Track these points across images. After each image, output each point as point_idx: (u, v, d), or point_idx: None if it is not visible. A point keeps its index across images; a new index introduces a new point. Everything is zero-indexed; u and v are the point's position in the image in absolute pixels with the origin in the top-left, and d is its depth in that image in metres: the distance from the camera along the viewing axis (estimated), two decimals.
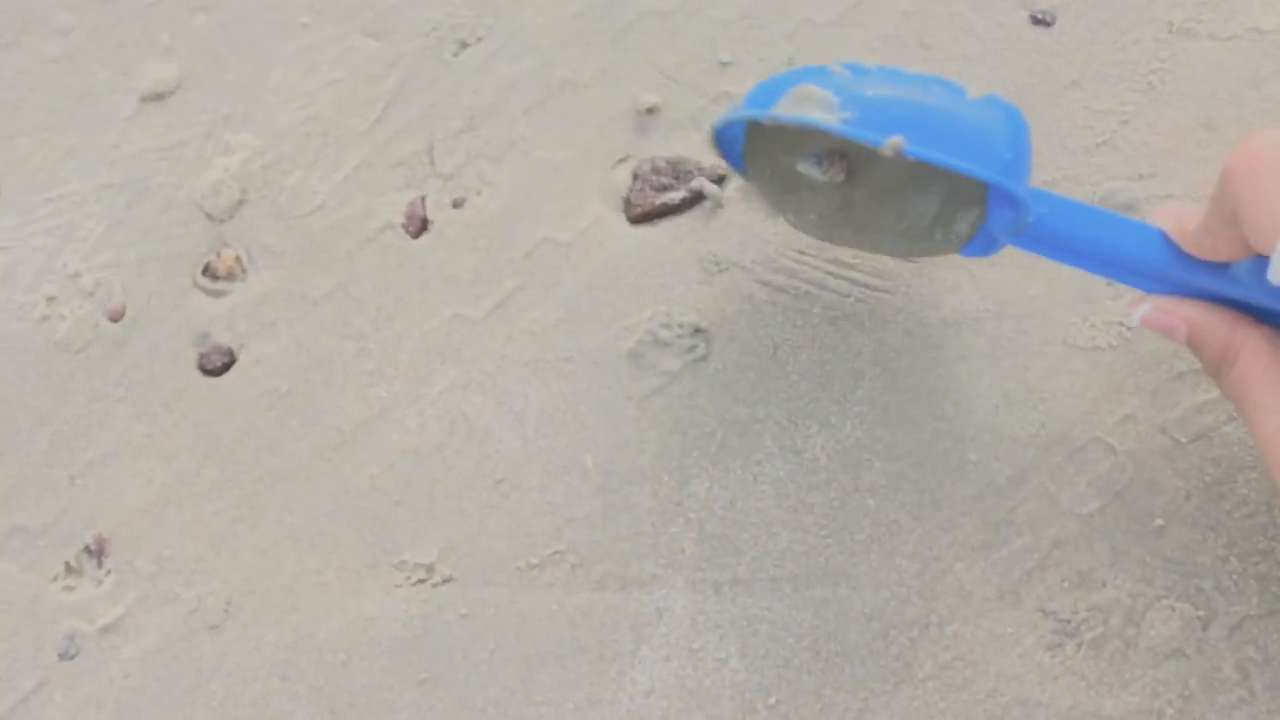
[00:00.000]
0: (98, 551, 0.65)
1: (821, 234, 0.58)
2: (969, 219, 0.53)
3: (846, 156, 0.52)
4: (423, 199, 0.70)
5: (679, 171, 0.67)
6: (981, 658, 0.57)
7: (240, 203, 0.72)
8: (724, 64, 0.70)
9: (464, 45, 0.73)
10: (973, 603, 0.58)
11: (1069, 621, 0.57)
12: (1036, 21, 0.67)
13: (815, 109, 0.47)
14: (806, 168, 0.52)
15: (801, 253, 0.65)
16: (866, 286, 0.63)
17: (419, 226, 0.69)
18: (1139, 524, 0.57)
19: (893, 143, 0.47)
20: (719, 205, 0.67)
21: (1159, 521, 0.57)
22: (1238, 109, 0.64)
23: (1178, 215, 0.49)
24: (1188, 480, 0.58)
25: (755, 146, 0.56)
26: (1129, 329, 0.60)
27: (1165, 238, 0.49)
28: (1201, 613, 0.56)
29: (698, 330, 0.64)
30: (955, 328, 0.62)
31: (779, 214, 0.61)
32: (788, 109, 0.48)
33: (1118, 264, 0.51)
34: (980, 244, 0.54)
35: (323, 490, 0.65)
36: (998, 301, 0.62)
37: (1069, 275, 0.62)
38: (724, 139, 0.56)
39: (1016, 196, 0.49)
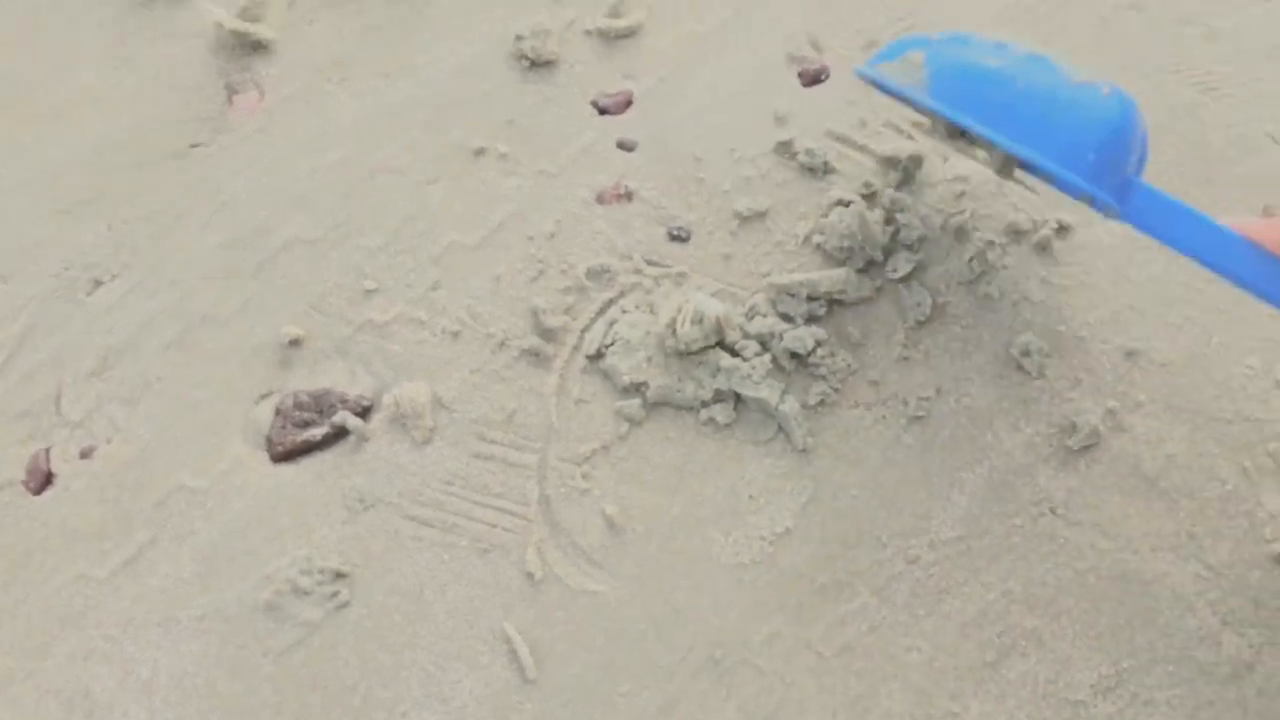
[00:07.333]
0: None
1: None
2: (1041, 176, 0.59)
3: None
4: (47, 451, 0.65)
5: (322, 405, 0.65)
6: None
7: None
8: (369, 291, 0.69)
9: (98, 283, 0.70)
10: None
11: None
12: (673, 238, 0.69)
13: (904, 75, 0.55)
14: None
15: (448, 483, 0.63)
16: (513, 514, 0.62)
17: (41, 481, 0.64)
18: None
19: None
20: (364, 439, 0.64)
21: None
22: None
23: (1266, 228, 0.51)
24: (833, 696, 0.56)
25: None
26: (771, 543, 0.60)
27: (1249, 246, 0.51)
28: None
29: (340, 575, 0.61)
30: (602, 551, 0.60)
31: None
32: (886, 72, 0.56)
33: (1217, 264, 0.52)
34: (1102, 206, 0.55)
35: None
36: (644, 522, 0.61)
37: (711, 492, 0.61)
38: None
39: (1093, 195, 0.51)
